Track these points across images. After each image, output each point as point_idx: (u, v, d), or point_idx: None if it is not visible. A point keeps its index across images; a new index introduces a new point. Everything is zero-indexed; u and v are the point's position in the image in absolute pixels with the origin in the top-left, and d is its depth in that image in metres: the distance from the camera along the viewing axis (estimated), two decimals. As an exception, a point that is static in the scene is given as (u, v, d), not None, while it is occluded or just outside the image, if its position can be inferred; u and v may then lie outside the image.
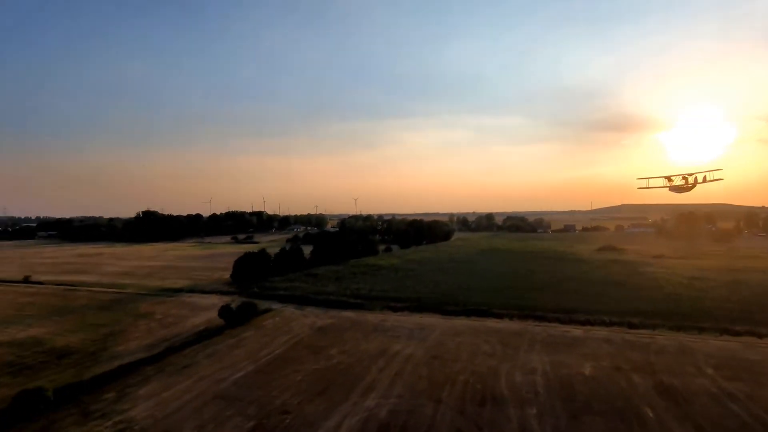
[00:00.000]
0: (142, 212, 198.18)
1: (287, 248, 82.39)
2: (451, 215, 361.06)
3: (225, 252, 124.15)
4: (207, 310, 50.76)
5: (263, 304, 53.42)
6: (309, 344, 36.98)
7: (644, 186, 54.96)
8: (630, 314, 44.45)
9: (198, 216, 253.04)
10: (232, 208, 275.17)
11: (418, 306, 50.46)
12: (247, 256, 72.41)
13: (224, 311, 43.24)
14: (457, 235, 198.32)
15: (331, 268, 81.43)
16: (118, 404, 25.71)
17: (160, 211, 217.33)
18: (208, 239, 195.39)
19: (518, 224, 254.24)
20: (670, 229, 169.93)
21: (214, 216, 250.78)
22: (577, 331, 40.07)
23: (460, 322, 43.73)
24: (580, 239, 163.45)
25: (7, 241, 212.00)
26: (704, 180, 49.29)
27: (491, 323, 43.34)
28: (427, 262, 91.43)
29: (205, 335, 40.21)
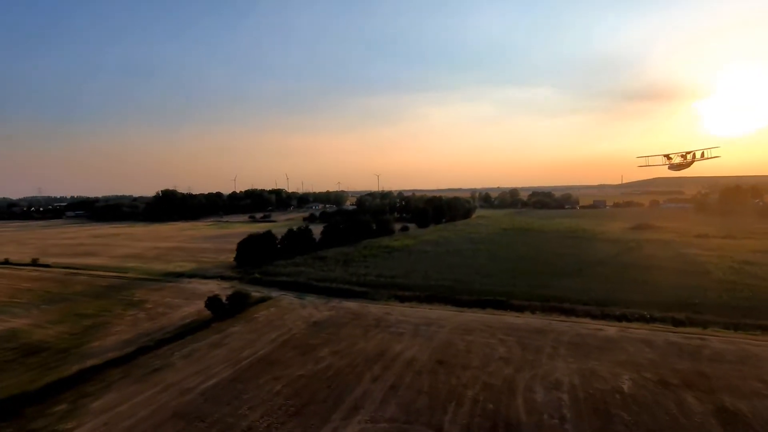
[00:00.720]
0: (162, 192, 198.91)
1: (295, 229, 78.39)
2: (474, 191, 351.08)
3: (239, 232, 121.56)
4: (202, 298, 46.94)
5: (262, 292, 49.92)
6: (300, 343, 32.73)
7: (644, 164, 56.40)
8: (674, 307, 38.24)
9: (218, 194, 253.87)
10: (256, 186, 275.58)
11: (429, 295, 45.49)
12: (251, 238, 68.77)
13: (212, 303, 39.49)
14: (478, 212, 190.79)
15: (341, 250, 77.22)
16: (64, 421, 22.09)
17: (186, 191, 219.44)
18: (226, 218, 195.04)
19: (544, 200, 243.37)
20: (712, 204, 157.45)
21: (233, 195, 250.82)
22: (610, 328, 34.30)
23: (474, 316, 38.56)
24: (612, 216, 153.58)
25: (36, 221, 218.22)
26: (702, 156, 49.06)
27: (509, 318, 38.00)
28: (443, 243, 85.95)
29: (189, 330, 36.60)
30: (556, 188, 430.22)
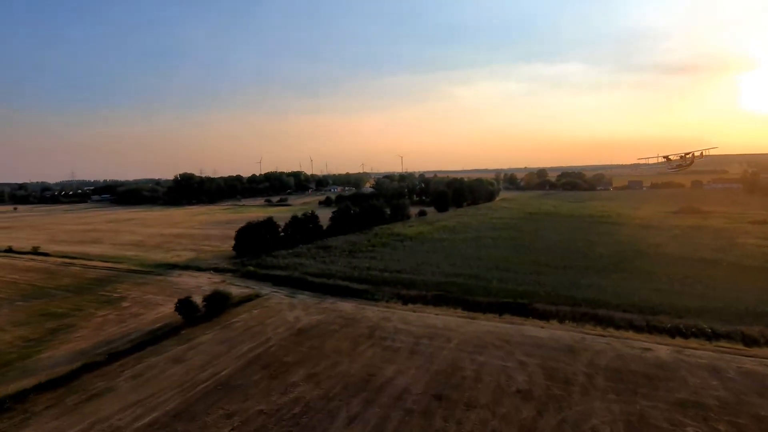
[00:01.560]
0: (180, 176, 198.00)
1: (300, 215, 73.04)
2: (499, 172, 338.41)
3: (251, 216, 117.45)
4: (186, 295, 42.54)
5: (253, 288, 45.11)
6: (273, 359, 27.24)
7: (642, 158, 59.71)
8: (741, 318, 30.65)
9: (238, 178, 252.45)
10: (281, 169, 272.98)
11: (437, 295, 39.17)
12: (251, 226, 63.84)
13: (183, 307, 34.40)
14: (503, 194, 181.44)
15: (348, 239, 71.64)
16: (-54, 477, 17.33)
17: (212, 174, 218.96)
18: (244, 202, 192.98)
19: (574, 181, 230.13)
20: (763, 183, 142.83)
21: (252, 178, 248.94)
22: (661, 348, 27.21)
23: (488, 326, 32.08)
24: (650, 198, 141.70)
25: (62, 204, 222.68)
26: (701, 155, 50.76)
27: (532, 328, 31.32)
28: (461, 229, 78.91)
29: (155, 338, 31.72)
30: (586, 168, 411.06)
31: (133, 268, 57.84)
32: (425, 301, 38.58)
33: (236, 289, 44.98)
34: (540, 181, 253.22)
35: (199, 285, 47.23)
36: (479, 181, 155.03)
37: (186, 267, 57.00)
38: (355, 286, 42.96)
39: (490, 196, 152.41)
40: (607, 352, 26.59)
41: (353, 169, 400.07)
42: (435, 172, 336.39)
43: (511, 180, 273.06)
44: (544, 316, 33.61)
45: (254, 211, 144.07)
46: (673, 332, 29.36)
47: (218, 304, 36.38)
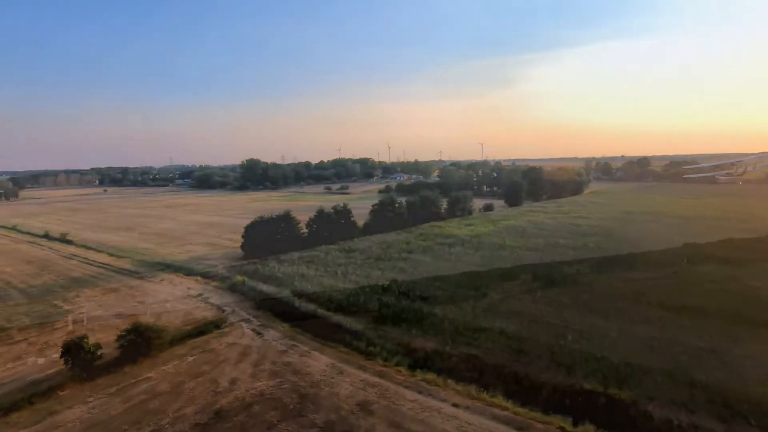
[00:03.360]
0: (246, 161, 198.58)
1: (329, 209, 60.76)
2: (590, 160, 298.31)
3: (305, 205, 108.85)
4: (143, 314, 32.38)
5: (225, 309, 33.79)
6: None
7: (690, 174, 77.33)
8: None
9: (306, 164, 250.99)
10: (357, 155, 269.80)
11: (470, 357, 23.93)
12: (261, 222, 53.09)
13: (71, 353, 23.22)
14: (593, 186, 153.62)
15: (384, 239, 58.15)
16: None
17: (292, 161, 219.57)
18: (306, 189, 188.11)
19: (686, 172, 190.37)
20: None
21: (319, 164, 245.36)
22: None
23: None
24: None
25: (147, 188, 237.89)
26: (754, 167, 67.05)
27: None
28: (532, 232, 60.71)
29: (14, 403, 21.06)
30: (699, 156, 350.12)
31: (125, 266, 50.12)
32: (446, 367, 23.52)
33: (202, 309, 33.99)
34: (641, 171, 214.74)
35: (168, 299, 37.12)
36: (561, 170, 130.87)
37: (180, 268, 47.76)
38: (349, 324, 29.12)
39: (577, 188, 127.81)
40: None
41: (432, 157, 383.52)
42: (514, 161, 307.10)
43: (604, 170, 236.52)
44: (668, 442, 16.98)
45: (310, 198, 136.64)
46: None
47: (136, 347, 24.94)
